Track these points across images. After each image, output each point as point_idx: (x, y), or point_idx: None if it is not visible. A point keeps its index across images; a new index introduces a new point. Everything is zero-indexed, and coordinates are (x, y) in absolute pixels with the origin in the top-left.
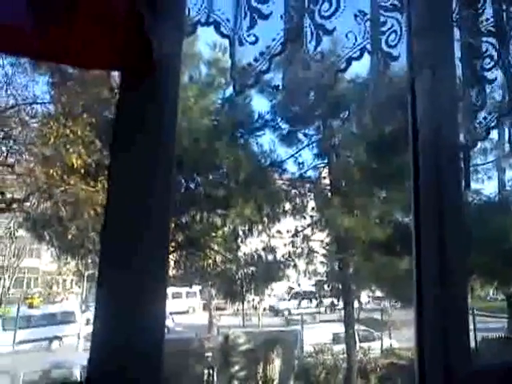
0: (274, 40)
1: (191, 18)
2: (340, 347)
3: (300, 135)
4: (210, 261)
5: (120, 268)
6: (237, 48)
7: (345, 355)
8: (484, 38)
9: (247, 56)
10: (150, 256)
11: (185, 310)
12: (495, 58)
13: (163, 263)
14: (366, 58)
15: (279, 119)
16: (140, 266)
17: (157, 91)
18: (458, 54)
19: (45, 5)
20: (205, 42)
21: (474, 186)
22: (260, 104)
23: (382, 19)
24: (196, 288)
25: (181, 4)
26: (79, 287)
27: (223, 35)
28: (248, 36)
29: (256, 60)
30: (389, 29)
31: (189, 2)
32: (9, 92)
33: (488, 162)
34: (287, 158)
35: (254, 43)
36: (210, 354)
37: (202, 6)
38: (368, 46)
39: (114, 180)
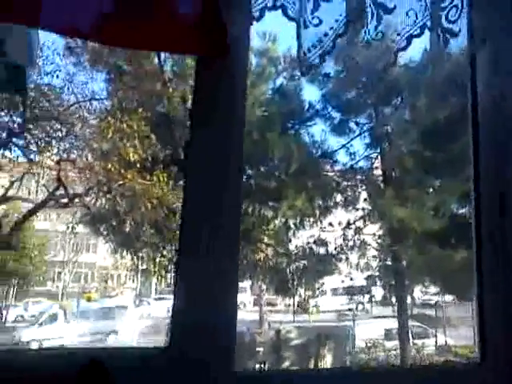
0: (336, 21)
1: (259, 3)
2: (393, 343)
3: (352, 124)
4: (262, 254)
5: (196, 258)
6: (302, 31)
7: (398, 351)
8: None
9: (312, 38)
10: (223, 247)
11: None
12: None
13: (235, 255)
14: (422, 39)
15: (330, 108)
16: (214, 256)
17: (229, 73)
18: None
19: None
20: (254, 32)
21: None
22: (310, 93)
23: None
24: (246, 283)
25: None
26: (133, 282)
27: (290, 18)
28: (312, 18)
29: (320, 41)
30: (449, 3)
31: None
32: (70, 90)
33: None
34: (339, 149)
35: (317, 25)
36: (261, 348)
37: None
38: (428, 23)
39: (190, 173)
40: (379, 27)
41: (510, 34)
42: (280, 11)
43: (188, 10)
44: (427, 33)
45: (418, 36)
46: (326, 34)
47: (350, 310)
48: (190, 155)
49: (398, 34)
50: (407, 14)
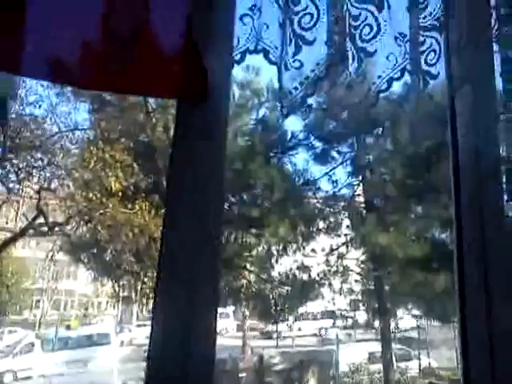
0: (318, 64)
1: (240, 46)
2: (376, 367)
3: (334, 153)
4: (244, 281)
5: (175, 286)
6: (283, 73)
7: (381, 375)
8: None
9: (293, 80)
10: (202, 276)
11: (218, 330)
12: None
13: (215, 282)
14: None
15: (312, 138)
16: (193, 285)
17: (209, 117)
18: (498, 69)
19: (108, 40)
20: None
21: None
22: (293, 123)
23: (421, 39)
24: (229, 309)
25: (231, 33)
26: (114, 309)
27: (271, 62)
28: (293, 61)
29: (301, 84)
30: (428, 48)
31: (238, 32)
32: (53, 120)
33: None
34: (321, 177)
35: (298, 68)
36: (244, 374)
37: (250, 34)
38: (408, 66)
39: (171, 203)
40: (360, 70)
41: (488, 77)
42: (262, 55)
43: (168, 55)
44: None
45: (398, 79)
46: (307, 77)
47: (333, 334)
48: (171, 184)
49: (379, 77)
50: (387, 58)
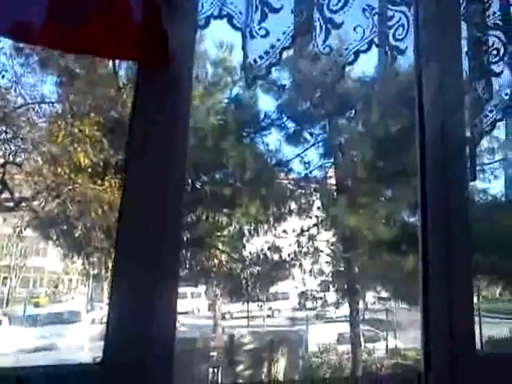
0: (284, 33)
1: (205, 11)
2: (345, 347)
3: (306, 134)
4: (216, 260)
5: (134, 264)
6: (248, 41)
7: (350, 355)
8: (491, 32)
9: (258, 49)
10: (163, 253)
11: (190, 309)
12: (501, 51)
13: (176, 260)
14: (373, 55)
15: (285, 118)
16: (153, 262)
17: (171, 82)
18: (465, 47)
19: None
20: (211, 42)
21: (480, 185)
22: (266, 103)
23: (390, 13)
24: (201, 288)
25: None
26: (85, 286)
27: (235, 27)
28: (259, 29)
29: (267, 53)
30: (396, 22)
31: None
32: (18, 92)
33: (495, 161)
34: (293, 158)
35: (264, 36)
36: (215, 353)
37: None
38: (376, 40)
39: (130, 177)
40: (327, 41)
41: (454, 53)
42: (225, 20)
43: (128, 16)
44: (376, 49)
45: (365, 51)
46: (272, 46)
47: (303, 314)
48: (129, 154)
49: (346, 49)
50: (355, 30)
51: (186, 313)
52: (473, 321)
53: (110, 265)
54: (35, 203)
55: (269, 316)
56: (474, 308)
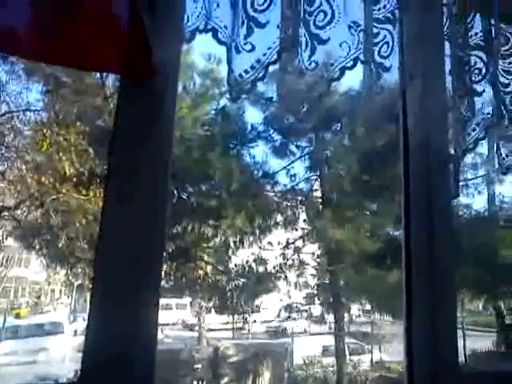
0: (269, 48)
1: (190, 25)
2: (330, 360)
3: (292, 147)
4: (201, 272)
5: (114, 276)
6: (234, 55)
7: (335, 368)
8: (473, 52)
9: (244, 63)
10: (144, 266)
11: (174, 321)
12: (483, 71)
13: (157, 273)
14: (359, 70)
15: (272, 131)
16: (134, 275)
17: (155, 96)
18: (448, 66)
19: (47, 6)
20: (199, 53)
21: (463, 200)
22: (253, 115)
23: (375, 30)
24: (186, 299)
25: (180, 11)
26: (68, 297)
27: (220, 42)
28: (245, 44)
29: (252, 67)
30: (381, 40)
31: (188, 10)
32: (2, 99)
33: (478, 177)
34: (279, 170)
35: (250, 51)
36: (199, 365)
37: (200, 13)
38: (361, 56)
39: (111, 188)
40: (313, 57)
41: (438, 72)
42: (210, 34)
43: (112, 29)
44: (361, 65)
45: (351, 68)
46: (258, 61)
47: (288, 327)
48: (111, 166)
49: (332, 65)
50: (340, 46)
51: (170, 324)
52: (456, 336)
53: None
54: (18, 212)
55: (254, 328)
56: (457, 323)
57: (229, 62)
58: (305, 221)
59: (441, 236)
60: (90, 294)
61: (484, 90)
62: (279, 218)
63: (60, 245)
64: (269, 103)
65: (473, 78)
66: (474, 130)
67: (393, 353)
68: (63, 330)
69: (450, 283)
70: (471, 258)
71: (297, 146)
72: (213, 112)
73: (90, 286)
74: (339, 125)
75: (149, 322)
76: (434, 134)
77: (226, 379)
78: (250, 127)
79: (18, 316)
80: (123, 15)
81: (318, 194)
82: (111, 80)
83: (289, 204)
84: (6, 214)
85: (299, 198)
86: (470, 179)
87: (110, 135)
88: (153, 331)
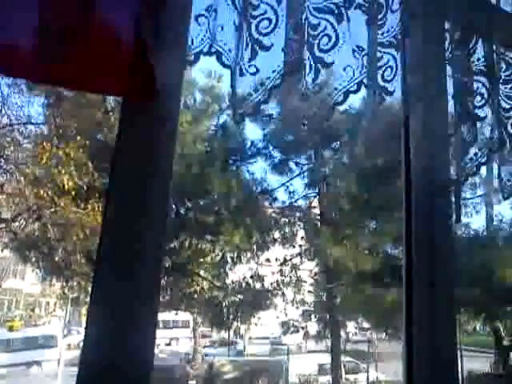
0: (274, 71)
1: (194, 47)
2: (326, 378)
3: (291, 164)
4: (198, 287)
5: (112, 291)
6: (237, 78)
7: None
8: (475, 77)
9: (247, 86)
10: (142, 281)
11: (169, 336)
12: (485, 96)
13: (156, 289)
14: (361, 92)
15: (271, 148)
16: (132, 290)
17: (157, 117)
18: (450, 91)
19: (51, 31)
20: (200, 70)
21: (462, 219)
22: (253, 132)
23: (379, 55)
24: (182, 315)
25: (184, 34)
26: (62, 310)
27: (224, 65)
28: (249, 67)
29: (256, 90)
30: (385, 64)
31: (192, 32)
32: (3, 112)
33: (476, 197)
34: (278, 187)
35: (254, 74)
36: (193, 381)
37: (205, 36)
38: (365, 80)
39: (111, 203)
40: (316, 80)
41: (440, 98)
42: (214, 57)
43: (114, 52)
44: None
45: (355, 92)
46: (262, 84)
47: (284, 344)
48: (112, 186)
49: (336, 89)
50: (345, 70)
51: (165, 339)
52: (456, 356)
53: (90, 289)
54: (15, 224)
55: (249, 345)
56: (457, 343)
57: (232, 85)
58: (303, 238)
59: (442, 258)
60: (87, 308)
61: (486, 115)
62: (277, 234)
63: (56, 258)
64: (269, 120)
65: (475, 103)
66: (476, 154)
67: (389, 372)
68: (57, 343)
69: (450, 303)
70: (468, 278)
71: (296, 163)
72: (213, 128)
73: (86, 299)
74: (338, 143)
75: (146, 337)
76: (437, 157)
77: None
78: (249, 144)
79: (11, 329)
80: (127, 39)
81: (317, 211)
82: None
83: (287, 221)
84: (3, 226)
85: (297, 214)
86: (469, 199)
87: (112, 152)
88: (150, 347)
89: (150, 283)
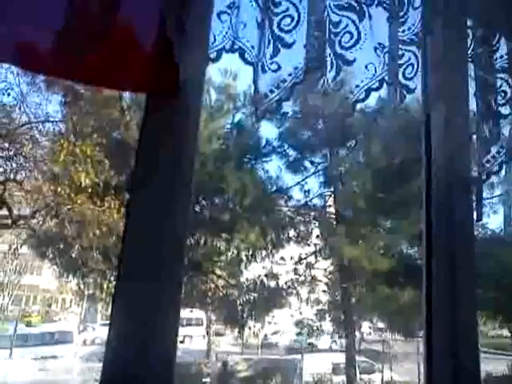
0: (295, 68)
1: (217, 44)
2: (340, 378)
3: (306, 163)
4: (212, 285)
5: (136, 287)
6: (259, 75)
7: None
8: (498, 75)
9: (269, 83)
10: (166, 276)
11: (184, 334)
12: (509, 93)
13: (178, 284)
14: (381, 90)
15: (286, 146)
16: (156, 285)
17: (180, 112)
18: (472, 88)
19: (79, 30)
20: (215, 68)
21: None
22: (268, 130)
23: (400, 52)
24: (196, 313)
25: (206, 31)
26: (78, 307)
27: (247, 62)
28: (271, 64)
29: (278, 87)
30: (406, 61)
31: (214, 29)
32: (22, 110)
33: (494, 196)
34: (293, 185)
35: (276, 71)
36: (208, 379)
37: (227, 33)
38: (386, 78)
39: (134, 200)
40: (338, 77)
41: (462, 94)
42: (238, 54)
43: (139, 48)
44: (386, 86)
45: (377, 89)
46: (283, 81)
47: (298, 343)
48: (135, 181)
49: (357, 86)
50: (366, 67)
51: (179, 337)
52: (478, 356)
53: (105, 286)
54: (33, 221)
55: (264, 343)
56: (478, 343)
57: (255, 82)
58: (318, 236)
59: (462, 259)
60: (103, 304)
61: (509, 113)
62: (292, 233)
63: (73, 254)
64: (284, 118)
65: (498, 101)
66: (498, 152)
67: (404, 372)
68: (72, 339)
69: (470, 304)
70: (486, 279)
71: (311, 162)
72: (228, 126)
73: (102, 296)
74: (355, 141)
75: (168, 337)
76: (458, 155)
77: None
78: (264, 142)
79: (29, 324)
80: (151, 36)
81: (332, 210)
82: (128, 93)
83: (302, 219)
84: (21, 222)
85: (313, 213)
86: (487, 198)
87: (135, 150)
88: (172, 346)
89: (173, 281)
